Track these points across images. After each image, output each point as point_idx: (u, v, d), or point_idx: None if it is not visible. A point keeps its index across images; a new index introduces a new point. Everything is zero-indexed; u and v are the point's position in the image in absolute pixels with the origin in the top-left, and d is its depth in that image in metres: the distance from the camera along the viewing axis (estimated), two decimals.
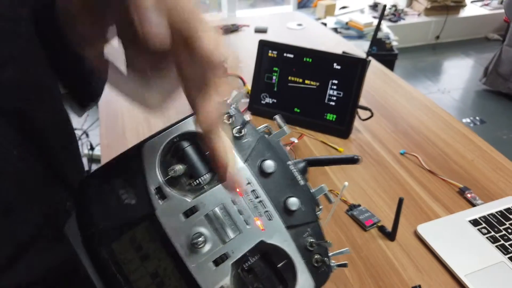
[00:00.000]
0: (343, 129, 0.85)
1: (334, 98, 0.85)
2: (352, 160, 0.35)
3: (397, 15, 3.32)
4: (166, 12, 0.23)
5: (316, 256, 0.32)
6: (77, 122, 2.41)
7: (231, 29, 1.39)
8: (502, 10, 3.28)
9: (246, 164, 0.32)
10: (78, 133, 2.31)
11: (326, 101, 0.86)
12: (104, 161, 0.61)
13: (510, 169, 0.77)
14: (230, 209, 0.30)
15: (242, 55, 1.22)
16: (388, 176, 0.76)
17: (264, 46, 0.90)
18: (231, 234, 0.30)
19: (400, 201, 0.59)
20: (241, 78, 1.06)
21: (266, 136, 0.34)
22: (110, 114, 0.93)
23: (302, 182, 0.33)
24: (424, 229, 0.64)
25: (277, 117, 0.35)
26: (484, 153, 0.82)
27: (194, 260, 0.29)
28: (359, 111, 0.86)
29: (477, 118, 2.49)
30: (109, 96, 0.99)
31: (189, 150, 0.32)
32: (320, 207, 0.35)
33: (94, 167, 2.10)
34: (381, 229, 0.64)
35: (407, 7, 3.52)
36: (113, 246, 0.29)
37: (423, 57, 3.28)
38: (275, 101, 0.91)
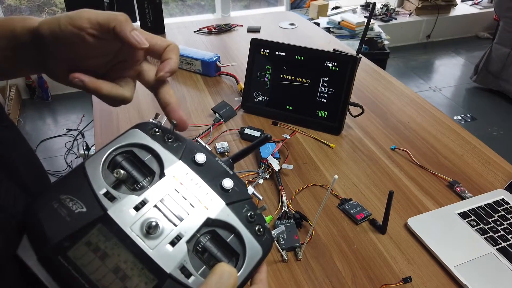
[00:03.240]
0: (334, 126, 0.86)
1: (326, 95, 0.86)
2: (266, 139, 0.42)
3: (388, 14, 3.34)
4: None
5: (257, 226, 0.36)
6: (73, 122, 2.41)
7: (224, 29, 1.40)
8: (492, 9, 3.32)
9: (182, 160, 0.36)
10: (74, 133, 2.31)
11: (317, 98, 0.87)
12: None
13: (498, 163, 0.79)
14: (175, 197, 0.34)
15: (235, 54, 1.23)
16: (379, 171, 0.77)
17: (256, 44, 0.90)
18: (180, 218, 0.33)
19: (390, 194, 0.60)
20: (234, 77, 1.07)
21: (194, 141, 0.40)
22: (104, 113, 0.93)
23: (231, 172, 0.38)
24: (414, 222, 0.65)
25: (198, 139, 0.42)
26: (473, 147, 0.83)
27: (151, 245, 0.31)
28: (350, 108, 0.87)
29: (468, 115, 2.52)
30: None
31: (127, 161, 0.36)
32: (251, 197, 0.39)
33: None
34: (372, 222, 0.65)
35: (399, 6, 3.55)
36: (69, 254, 0.30)
37: (414, 56, 3.31)
38: (267, 98, 0.91)
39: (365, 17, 3.03)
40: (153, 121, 0.39)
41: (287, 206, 0.67)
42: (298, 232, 0.63)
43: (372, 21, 0.92)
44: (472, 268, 0.58)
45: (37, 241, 0.31)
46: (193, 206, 0.34)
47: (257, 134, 0.83)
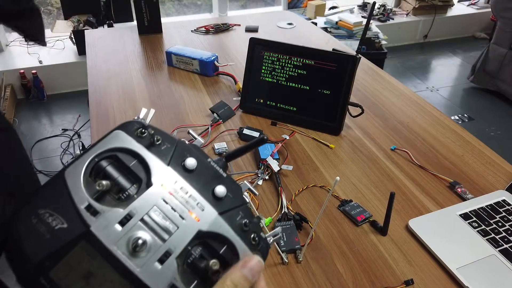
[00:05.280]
0: (334, 126, 0.86)
1: (325, 95, 0.86)
2: (262, 141, 0.39)
3: (386, 14, 3.34)
4: None
5: (252, 235, 0.34)
6: (69, 123, 2.39)
7: (222, 28, 1.39)
8: (489, 9, 3.33)
9: (170, 166, 0.33)
10: (70, 133, 2.29)
11: (317, 98, 0.86)
12: None
13: (499, 163, 0.78)
14: (163, 208, 0.31)
15: (233, 54, 1.22)
16: (379, 171, 0.76)
17: (255, 44, 0.89)
18: (169, 232, 0.31)
19: (392, 195, 0.60)
20: (233, 77, 1.06)
21: (185, 142, 0.36)
22: (100, 114, 0.92)
23: (224, 175, 0.36)
24: (415, 224, 0.64)
25: (190, 130, 0.39)
26: (474, 148, 0.83)
27: (138, 264, 0.29)
28: (350, 108, 0.86)
29: (465, 115, 2.52)
30: (100, 97, 0.98)
31: (111, 167, 0.33)
32: (248, 201, 0.37)
33: None
34: (373, 224, 0.64)
35: (396, 7, 3.55)
36: (51, 274, 0.28)
37: (411, 56, 3.31)
38: (266, 98, 0.90)
39: (362, 17, 3.03)
40: (138, 120, 0.36)
41: (287, 208, 0.66)
42: (298, 234, 0.62)
43: None
44: (474, 270, 0.58)
45: (15, 261, 0.29)
46: (183, 218, 0.32)
47: (256, 134, 0.82)
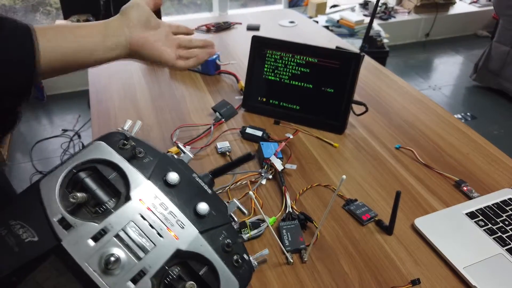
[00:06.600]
0: (338, 125, 0.85)
1: (329, 94, 0.85)
2: (249, 157, 0.38)
3: (387, 13, 3.33)
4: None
5: (235, 257, 0.32)
6: (69, 123, 2.39)
7: (223, 27, 1.38)
8: (491, 7, 3.32)
9: (151, 180, 0.32)
10: (70, 134, 2.28)
11: (320, 96, 0.85)
12: None
13: (505, 161, 0.78)
14: (140, 225, 0.30)
15: (234, 53, 1.21)
16: (384, 170, 0.75)
17: (257, 42, 0.89)
18: (145, 249, 0.29)
19: (398, 194, 0.59)
20: (235, 75, 1.05)
21: (170, 156, 0.34)
22: (102, 113, 0.91)
23: (209, 191, 0.34)
24: (421, 223, 0.63)
25: (178, 143, 0.38)
26: (479, 146, 0.82)
27: (110, 282, 0.28)
28: (354, 106, 0.86)
29: (468, 114, 2.51)
30: (101, 95, 0.98)
31: (89, 179, 0.32)
32: (236, 220, 0.35)
33: None
34: (378, 223, 0.64)
35: (397, 5, 3.54)
36: None
37: (413, 55, 3.30)
38: (269, 97, 0.90)
39: (364, 15, 3.02)
40: (121, 130, 0.34)
41: (291, 207, 0.66)
42: (303, 233, 0.62)
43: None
44: (481, 269, 0.57)
45: None
46: (161, 236, 0.30)
47: (259, 133, 0.82)
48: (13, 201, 0.31)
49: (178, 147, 0.38)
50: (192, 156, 0.36)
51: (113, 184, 0.31)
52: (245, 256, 0.33)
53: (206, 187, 0.34)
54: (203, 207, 0.32)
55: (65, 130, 2.32)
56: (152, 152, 0.34)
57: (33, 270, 0.27)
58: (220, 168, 0.38)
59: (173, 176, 0.32)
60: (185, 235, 0.31)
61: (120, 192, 0.31)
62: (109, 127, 0.87)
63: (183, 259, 0.30)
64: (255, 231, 0.60)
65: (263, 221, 0.60)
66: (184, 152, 0.37)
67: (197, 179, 0.34)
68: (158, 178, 0.32)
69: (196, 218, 0.32)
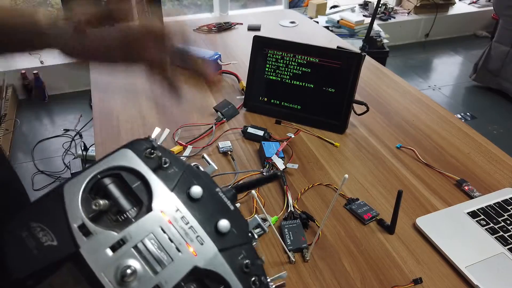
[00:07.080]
0: (339, 124, 0.85)
1: (330, 93, 0.85)
2: (276, 177, 0.37)
3: (387, 13, 3.34)
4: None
5: (253, 278, 0.31)
6: (71, 123, 2.39)
7: (224, 27, 1.38)
8: (490, 8, 3.32)
9: (174, 192, 0.31)
10: (71, 134, 2.28)
11: (322, 96, 0.86)
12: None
13: (505, 161, 0.78)
14: (160, 238, 0.29)
15: (235, 53, 1.21)
16: (385, 170, 0.75)
17: (258, 42, 0.89)
18: (162, 264, 0.29)
19: (399, 194, 0.59)
20: (236, 75, 1.05)
21: (195, 167, 0.34)
22: (104, 113, 0.91)
23: (232, 207, 0.33)
24: (423, 222, 0.64)
25: (204, 155, 0.37)
26: (480, 145, 0.82)
27: None
28: (355, 106, 0.86)
29: (468, 114, 2.51)
30: (103, 95, 0.98)
31: (113, 186, 0.31)
32: (256, 237, 0.35)
33: None
34: (380, 222, 0.64)
35: (397, 5, 3.54)
36: None
37: (413, 55, 3.30)
38: (270, 97, 0.90)
39: (364, 15, 3.02)
40: (148, 139, 0.34)
41: (293, 206, 0.66)
42: (305, 233, 0.62)
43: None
44: (483, 268, 0.57)
45: None
46: (179, 251, 0.29)
47: (261, 133, 0.82)
48: (35, 203, 0.30)
49: (203, 157, 0.37)
50: (216, 168, 0.35)
51: (136, 193, 0.31)
52: (263, 279, 0.32)
53: (229, 203, 0.33)
54: (224, 224, 0.31)
55: (66, 130, 2.32)
56: (177, 162, 0.33)
57: (49, 274, 0.27)
58: (245, 184, 0.37)
59: (197, 190, 0.32)
60: (204, 252, 0.30)
61: (142, 202, 0.31)
62: (112, 126, 0.87)
63: (200, 277, 0.30)
64: (257, 230, 0.60)
65: (266, 220, 0.60)
66: (209, 164, 0.36)
67: (220, 194, 0.33)
68: (181, 191, 0.32)
69: (217, 235, 0.31)
